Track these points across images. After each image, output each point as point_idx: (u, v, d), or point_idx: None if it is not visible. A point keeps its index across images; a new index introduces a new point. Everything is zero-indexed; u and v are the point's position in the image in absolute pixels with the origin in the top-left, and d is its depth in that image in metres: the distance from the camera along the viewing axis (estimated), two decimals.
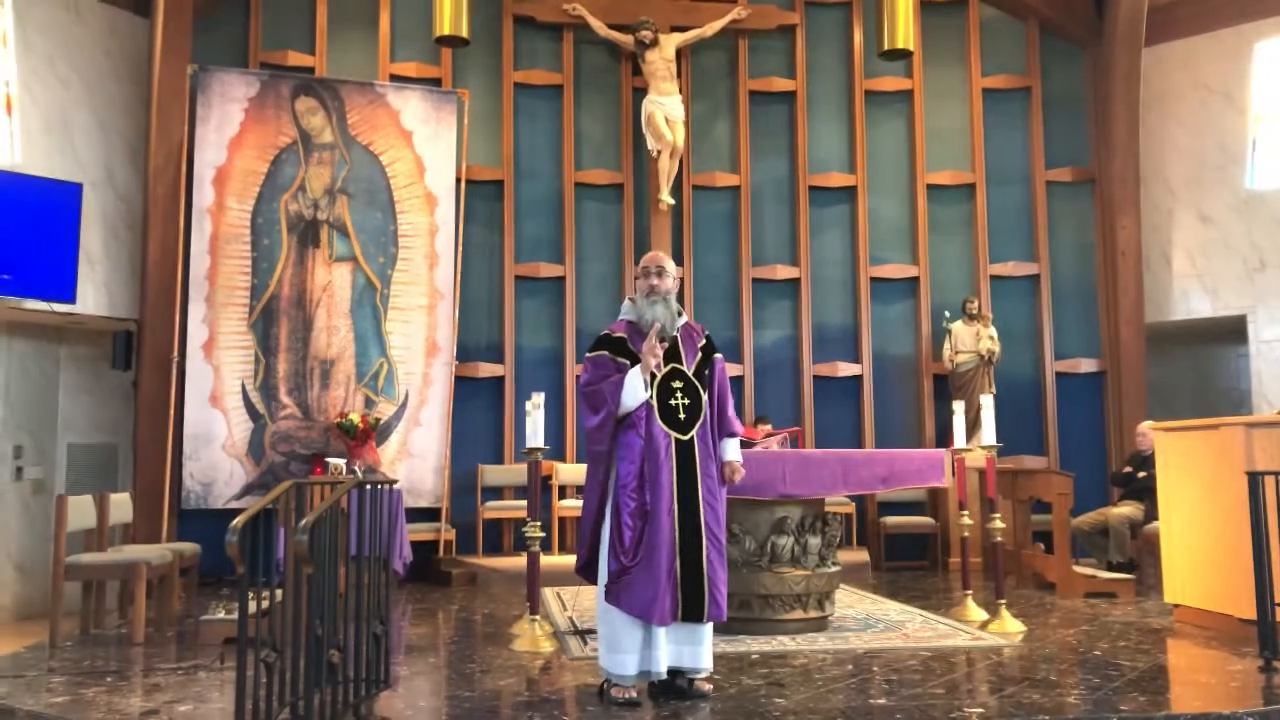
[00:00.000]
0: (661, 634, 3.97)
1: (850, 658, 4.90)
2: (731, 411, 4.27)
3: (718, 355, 4.31)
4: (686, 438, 4.07)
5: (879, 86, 9.86)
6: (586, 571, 4.22)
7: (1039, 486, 7.48)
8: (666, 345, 4.14)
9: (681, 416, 4.06)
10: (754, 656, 4.92)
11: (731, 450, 4.25)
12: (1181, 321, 9.68)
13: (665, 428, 4.04)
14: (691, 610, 3.97)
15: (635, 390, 4.02)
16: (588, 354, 4.24)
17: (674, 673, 4.07)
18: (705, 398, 4.15)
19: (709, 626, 4.08)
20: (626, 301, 4.37)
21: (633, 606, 3.93)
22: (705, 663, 4.08)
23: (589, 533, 4.18)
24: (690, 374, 4.16)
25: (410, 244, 8.71)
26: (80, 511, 5.88)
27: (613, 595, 3.97)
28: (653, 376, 4.09)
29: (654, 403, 4.06)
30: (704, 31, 9.39)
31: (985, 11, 9.99)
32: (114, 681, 4.56)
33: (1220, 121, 9.52)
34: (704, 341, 4.30)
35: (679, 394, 4.10)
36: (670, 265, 4.32)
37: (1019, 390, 9.55)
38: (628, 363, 4.12)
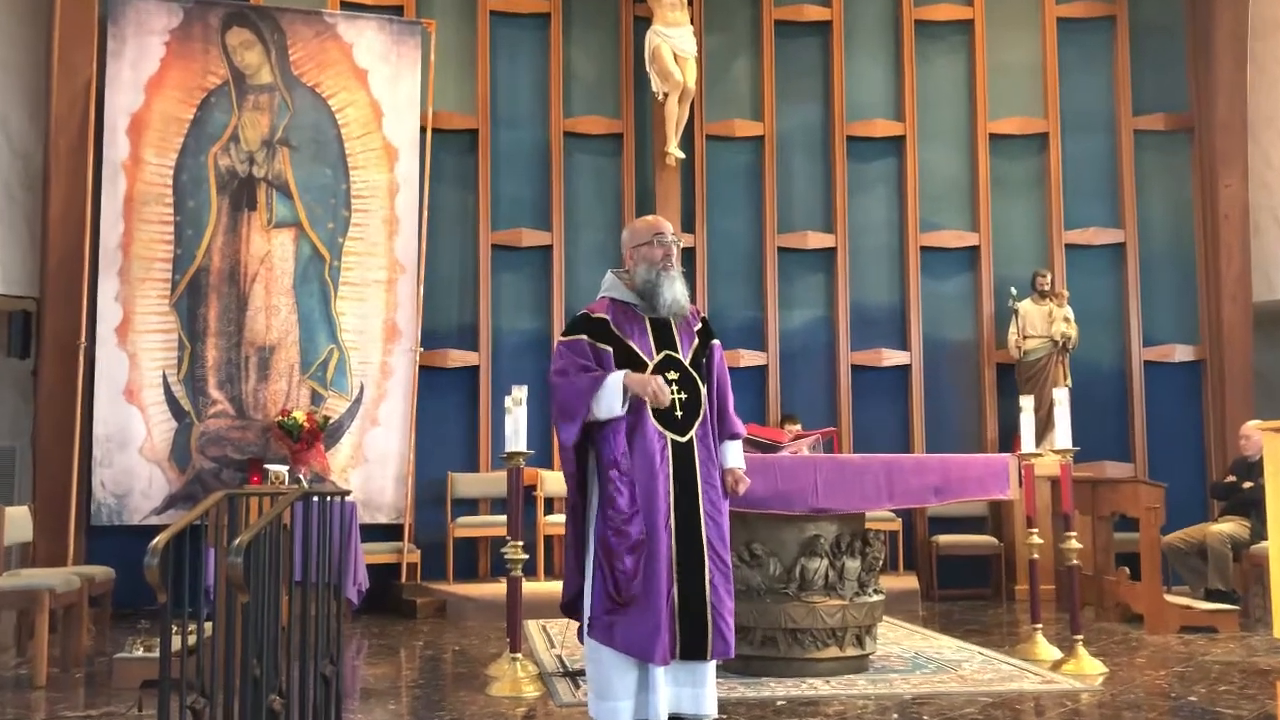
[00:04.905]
0: (660, 674, 3.97)
1: (895, 704, 4.91)
2: (733, 409, 4.27)
3: (715, 342, 4.31)
4: (685, 439, 4.07)
5: (932, 15, 9.82)
6: (573, 610, 4.23)
7: (1124, 499, 7.48)
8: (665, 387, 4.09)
9: (679, 414, 4.06)
10: (780, 703, 4.93)
11: (733, 455, 4.25)
12: None
13: (660, 427, 4.04)
14: (693, 646, 3.98)
15: (612, 403, 3.98)
16: (562, 337, 4.22)
17: None
18: (704, 391, 4.15)
19: (713, 665, 4.09)
20: (610, 275, 4.36)
21: (629, 644, 3.93)
22: (709, 708, 4.09)
23: (574, 563, 4.19)
24: (687, 363, 4.16)
25: (366, 206, 8.70)
26: None
27: (602, 631, 3.96)
28: (644, 366, 4.08)
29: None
30: None
31: None
32: None
33: None
34: (700, 325, 4.29)
35: (675, 387, 4.09)
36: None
37: (1100, 383, 9.54)
38: (609, 350, 4.10)
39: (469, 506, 8.94)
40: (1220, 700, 4.98)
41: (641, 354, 4.12)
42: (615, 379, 4.01)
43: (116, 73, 8.29)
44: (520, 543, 5.43)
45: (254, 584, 3.54)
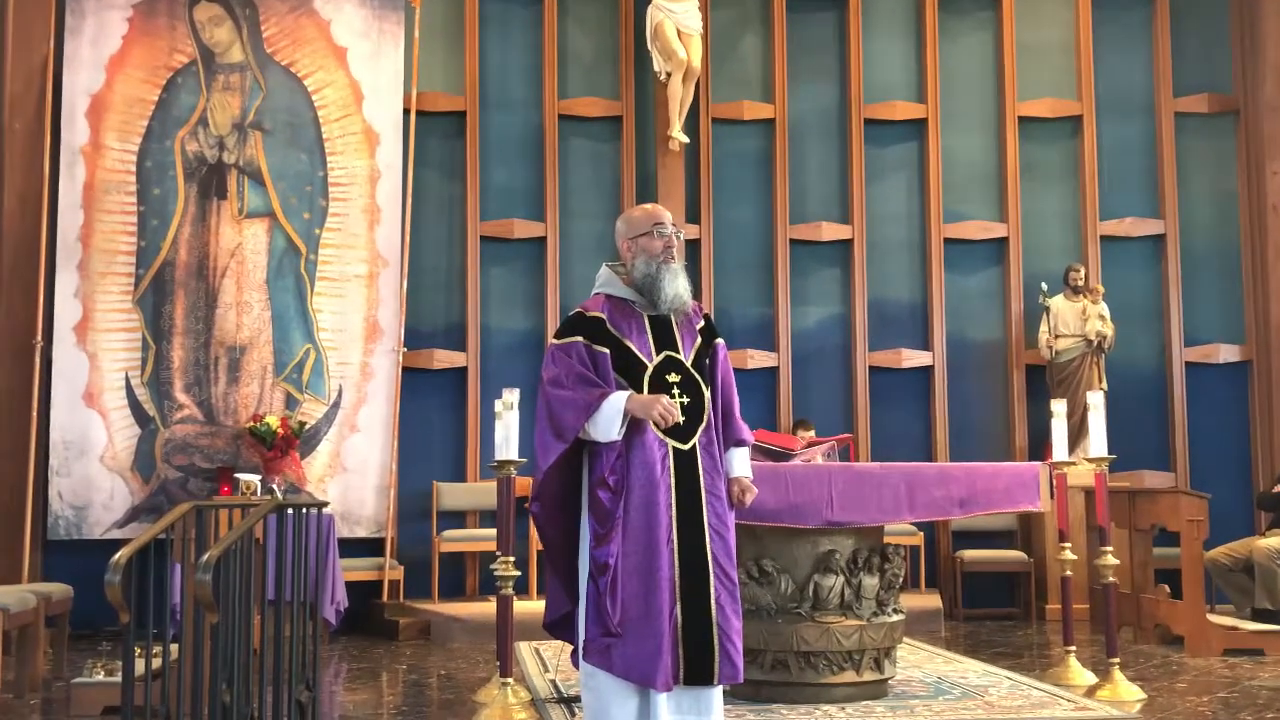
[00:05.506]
0: (662, 701, 3.97)
1: None
2: (739, 413, 4.28)
3: (719, 341, 4.31)
4: (688, 446, 4.07)
5: None
6: (558, 629, 4.23)
7: (1163, 511, 7.48)
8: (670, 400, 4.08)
9: (681, 419, 4.07)
10: None
11: (740, 463, 4.25)
12: None
13: (661, 434, 4.04)
14: (698, 670, 3.98)
15: (609, 427, 3.96)
16: (555, 340, 4.21)
17: None
18: (708, 395, 4.16)
19: (720, 691, 4.09)
20: (605, 270, 4.37)
21: (628, 668, 3.92)
22: None
23: (557, 578, 4.18)
24: (689, 365, 4.16)
25: (345, 195, 8.71)
26: None
27: (599, 655, 3.96)
28: (643, 368, 4.09)
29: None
30: None
31: None
32: None
33: None
34: (703, 323, 4.30)
35: (676, 390, 4.09)
36: None
37: (1137, 385, 9.54)
38: (606, 352, 4.10)
39: (456, 519, 8.94)
40: None
41: (640, 355, 4.12)
42: (616, 402, 3.97)
43: (75, 51, 8.30)
44: (511, 558, 5.42)
45: (224, 603, 3.54)
